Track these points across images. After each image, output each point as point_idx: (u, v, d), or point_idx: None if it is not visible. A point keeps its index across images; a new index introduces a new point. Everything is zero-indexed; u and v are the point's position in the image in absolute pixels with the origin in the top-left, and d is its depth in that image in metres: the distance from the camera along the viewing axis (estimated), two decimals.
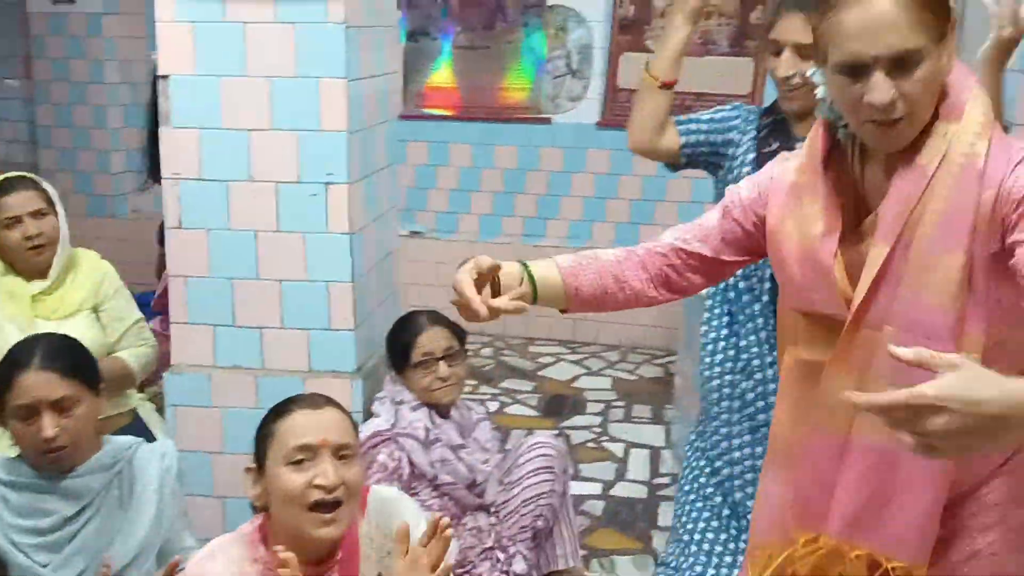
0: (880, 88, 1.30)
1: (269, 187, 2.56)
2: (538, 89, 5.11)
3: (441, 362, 2.52)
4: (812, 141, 1.50)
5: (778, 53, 2.15)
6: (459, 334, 2.60)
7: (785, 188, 1.51)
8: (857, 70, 1.32)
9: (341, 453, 1.74)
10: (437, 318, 2.61)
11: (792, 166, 1.52)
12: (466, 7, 5.05)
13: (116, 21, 5.31)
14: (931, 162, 1.35)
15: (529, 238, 5.25)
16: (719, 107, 2.38)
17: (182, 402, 2.68)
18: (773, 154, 1.96)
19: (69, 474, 1.98)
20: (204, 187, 2.56)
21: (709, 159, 2.33)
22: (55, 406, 1.93)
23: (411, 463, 2.44)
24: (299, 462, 1.71)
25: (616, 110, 4.87)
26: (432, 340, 2.54)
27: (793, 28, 2.11)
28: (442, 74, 5.16)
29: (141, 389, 2.85)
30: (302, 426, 1.74)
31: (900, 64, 1.30)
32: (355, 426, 1.86)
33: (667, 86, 2.24)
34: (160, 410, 2.83)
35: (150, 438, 2.35)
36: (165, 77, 2.52)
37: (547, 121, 5.12)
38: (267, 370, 2.67)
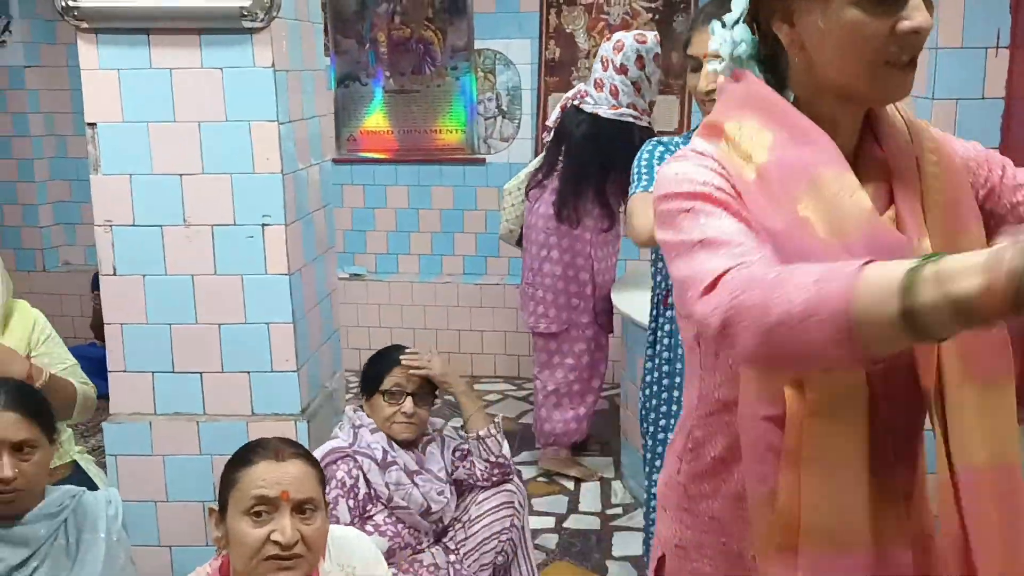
0: (922, 11, 1.15)
1: (205, 230, 2.55)
2: (471, 130, 5.19)
3: (409, 398, 2.52)
4: (775, 110, 1.23)
5: (696, 69, 2.17)
6: (431, 381, 2.60)
7: (758, 180, 1.18)
8: None
9: (302, 507, 1.73)
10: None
11: (750, 153, 1.20)
12: (394, 53, 5.11)
13: (38, 74, 5.29)
14: (905, 151, 1.24)
15: (470, 276, 5.29)
16: (643, 159, 2.31)
17: (123, 451, 2.63)
18: None
19: (16, 522, 1.95)
20: (137, 233, 2.55)
21: None
22: (15, 448, 1.94)
23: (367, 483, 2.43)
24: (258, 514, 1.70)
25: None
26: (406, 375, 2.54)
27: (708, 41, 2.17)
28: (375, 118, 5.20)
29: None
30: (263, 478, 1.71)
31: None
32: (321, 476, 1.84)
33: None
34: (100, 463, 2.79)
35: (92, 489, 2.32)
36: (92, 125, 2.51)
37: (481, 161, 5.19)
38: (208, 415, 2.64)
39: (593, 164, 3.76)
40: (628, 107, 3.67)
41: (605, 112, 3.69)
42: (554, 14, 4.95)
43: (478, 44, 5.08)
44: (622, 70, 3.63)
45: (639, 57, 3.61)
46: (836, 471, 1.17)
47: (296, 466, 1.75)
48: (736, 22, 1.29)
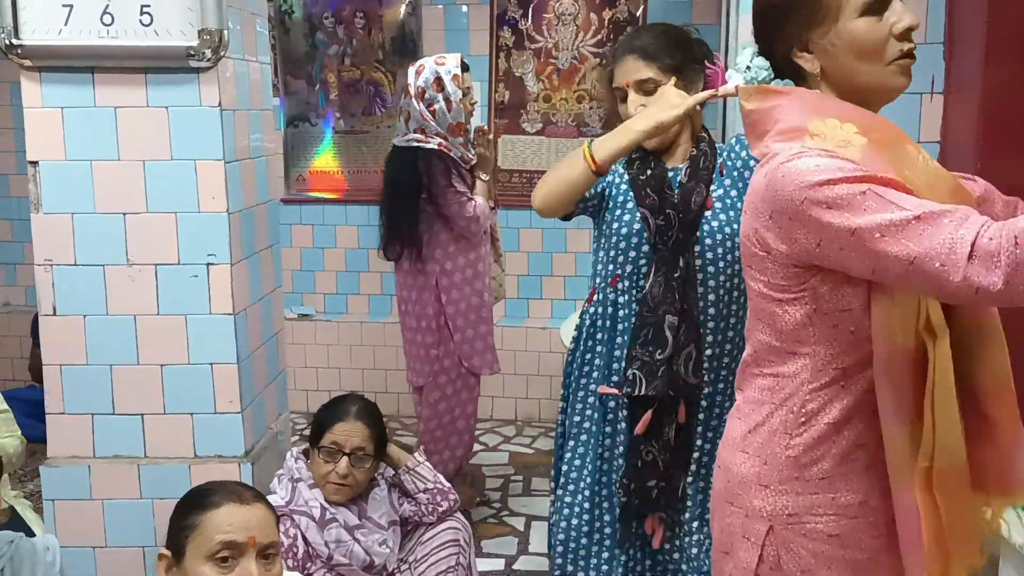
0: (908, 11, 1.44)
1: (148, 270, 2.52)
2: None
3: (345, 458, 2.44)
4: (845, 108, 1.46)
5: (624, 99, 2.24)
6: (379, 439, 2.53)
7: (863, 158, 1.38)
8: (882, 3, 1.44)
9: (266, 552, 1.71)
10: (366, 414, 2.52)
11: (846, 140, 1.41)
12: (344, 94, 5.13)
13: None
14: None
15: None
16: None
17: (60, 496, 2.57)
18: (647, 181, 2.19)
19: None
20: (79, 272, 2.51)
21: (594, 204, 2.35)
22: None
23: (305, 541, 2.39)
24: (224, 559, 1.67)
25: (497, 190, 4.98)
26: (346, 433, 2.46)
27: (630, 69, 2.20)
28: (325, 159, 5.20)
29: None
30: (229, 522, 1.69)
31: None
32: (277, 520, 1.83)
33: (598, 174, 2.13)
34: (38, 509, 2.72)
35: (29, 535, 2.26)
36: (35, 163, 2.49)
37: None
38: (150, 458, 2.59)
39: (390, 196, 3.69)
40: (416, 132, 3.60)
41: (398, 141, 3.67)
42: (503, 58, 5.00)
43: None
44: (420, 93, 3.57)
45: (438, 79, 3.56)
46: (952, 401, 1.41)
47: (260, 510, 1.74)
48: (747, 66, 1.58)
